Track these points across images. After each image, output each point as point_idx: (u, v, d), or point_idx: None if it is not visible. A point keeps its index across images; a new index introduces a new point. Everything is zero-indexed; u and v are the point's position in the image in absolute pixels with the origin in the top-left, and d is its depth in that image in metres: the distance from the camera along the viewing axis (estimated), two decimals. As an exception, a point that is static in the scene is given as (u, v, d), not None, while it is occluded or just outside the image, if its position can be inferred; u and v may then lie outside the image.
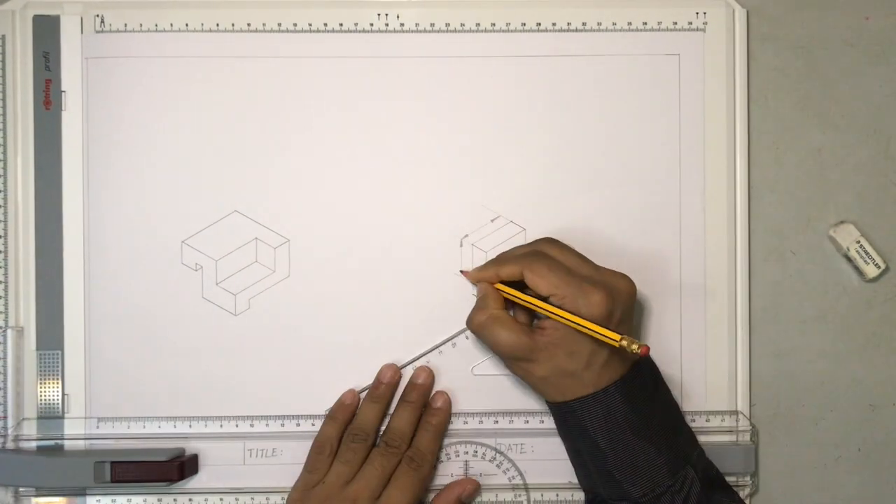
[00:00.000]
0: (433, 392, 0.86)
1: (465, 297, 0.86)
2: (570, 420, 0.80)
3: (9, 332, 0.85)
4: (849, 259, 0.87)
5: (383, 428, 0.85)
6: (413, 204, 0.87)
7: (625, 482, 0.78)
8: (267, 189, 0.87)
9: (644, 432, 0.78)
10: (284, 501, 0.84)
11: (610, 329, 0.76)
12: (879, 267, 0.86)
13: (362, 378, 0.86)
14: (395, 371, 0.86)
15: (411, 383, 0.86)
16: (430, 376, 0.86)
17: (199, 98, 0.86)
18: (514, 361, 0.81)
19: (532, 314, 0.83)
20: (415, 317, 0.87)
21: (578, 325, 0.76)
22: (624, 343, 0.74)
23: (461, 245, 0.87)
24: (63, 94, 0.86)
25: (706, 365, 0.87)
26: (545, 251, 0.81)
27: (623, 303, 0.79)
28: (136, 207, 0.86)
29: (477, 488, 0.86)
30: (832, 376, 0.88)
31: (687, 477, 0.79)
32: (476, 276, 0.84)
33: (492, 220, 0.87)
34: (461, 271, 0.86)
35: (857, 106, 0.87)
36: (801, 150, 0.87)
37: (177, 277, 0.86)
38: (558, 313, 0.77)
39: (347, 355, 0.87)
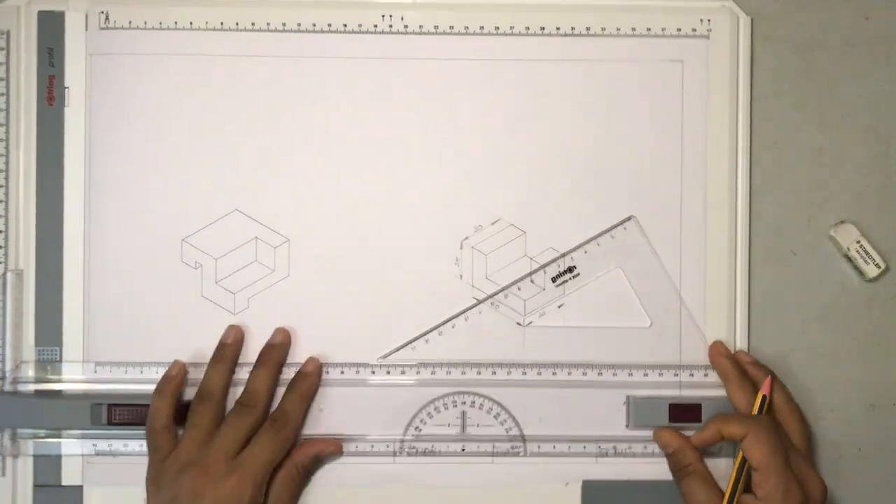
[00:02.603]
0: (306, 358, 0.86)
1: (465, 297, 0.87)
2: None
3: (9, 328, 0.85)
4: (849, 259, 0.87)
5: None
6: (414, 205, 0.87)
7: None
8: (267, 188, 0.87)
9: None
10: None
11: None
12: (879, 267, 0.86)
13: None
14: (238, 331, 0.86)
15: (267, 344, 0.85)
16: (288, 338, 0.86)
17: (202, 96, 0.87)
18: None
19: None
20: (414, 318, 0.87)
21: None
22: None
23: (461, 247, 0.87)
24: (66, 90, 0.86)
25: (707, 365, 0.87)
26: (774, 425, 0.81)
27: None
28: (137, 204, 0.86)
29: (338, 450, 0.85)
30: (832, 376, 0.88)
31: None
32: (701, 440, 0.83)
33: (492, 223, 0.87)
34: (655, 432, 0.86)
35: (857, 106, 0.88)
36: (801, 150, 0.88)
37: (176, 275, 0.86)
38: None
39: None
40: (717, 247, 0.87)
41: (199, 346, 0.86)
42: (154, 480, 0.81)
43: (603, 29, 0.87)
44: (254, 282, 0.86)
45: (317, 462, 0.85)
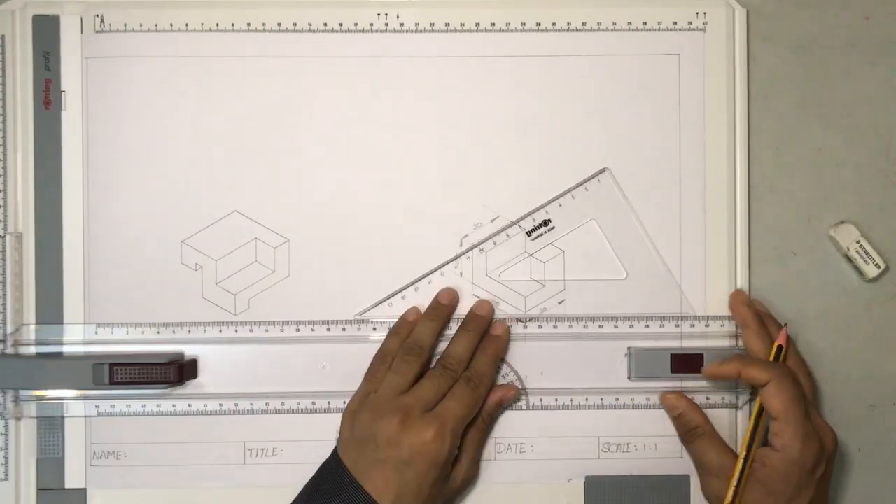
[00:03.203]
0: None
1: (464, 294, 0.87)
2: None
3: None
4: (849, 259, 0.87)
5: (440, 351, 0.86)
6: (413, 204, 0.87)
7: None
8: (267, 189, 0.87)
9: None
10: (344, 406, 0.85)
11: (811, 481, 0.78)
12: (879, 267, 0.86)
13: (363, 376, 0.86)
14: (454, 294, 0.87)
15: (472, 314, 0.86)
16: (491, 309, 0.87)
17: (199, 98, 0.86)
18: (711, 478, 0.82)
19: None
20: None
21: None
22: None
23: (461, 245, 0.87)
24: (63, 93, 0.86)
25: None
26: (794, 374, 0.81)
27: (827, 459, 0.79)
28: (136, 207, 0.86)
29: (518, 394, 0.87)
30: (832, 376, 0.88)
31: None
32: (716, 371, 0.83)
33: (492, 220, 0.87)
34: (662, 396, 0.87)
35: (857, 106, 0.87)
36: (801, 150, 0.88)
37: (177, 277, 0.86)
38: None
39: (347, 355, 0.87)
40: (717, 247, 0.86)
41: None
42: (353, 414, 0.83)
43: (599, 24, 0.87)
44: (254, 282, 0.87)
45: (499, 408, 0.87)
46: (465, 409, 0.82)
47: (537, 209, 0.87)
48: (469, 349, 0.85)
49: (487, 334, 0.86)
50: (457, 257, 0.87)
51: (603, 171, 0.87)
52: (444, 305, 0.86)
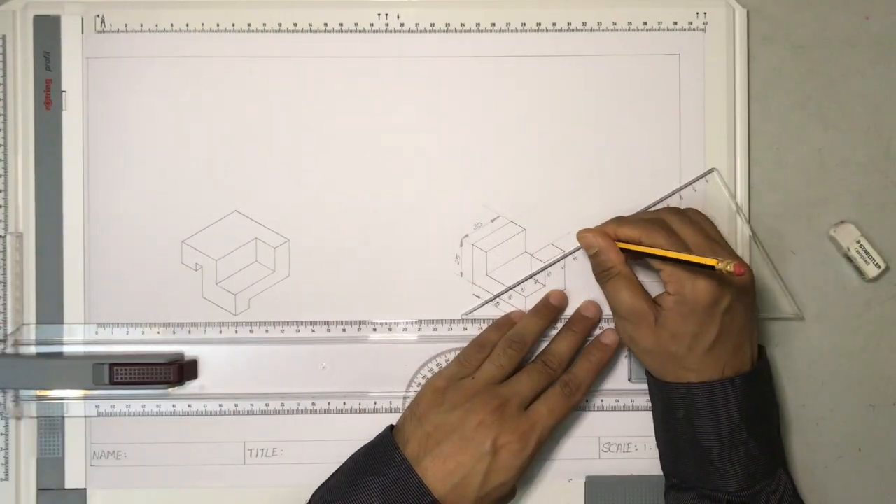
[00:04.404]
0: (603, 329, 0.86)
1: (465, 295, 0.87)
2: (680, 402, 0.80)
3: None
4: (849, 259, 0.87)
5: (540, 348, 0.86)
6: (413, 204, 0.87)
7: (725, 473, 0.79)
8: (267, 189, 0.87)
9: (753, 429, 0.79)
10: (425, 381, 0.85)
11: (713, 316, 0.78)
12: (879, 267, 0.86)
13: (362, 377, 0.86)
14: (564, 297, 0.87)
15: (579, 314, 0.86)
16: (599, 312, 0.86)
17: (200, 98, 0.86)
18: (624, 322, 0.82)
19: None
20: (415, 316, 0.87)
21: (681, 259, 0.76)
22: (720, 266, 0.72)
23: (461, 245, 0.87)
24: (63, 94, 0.86)
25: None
26: (667, 221, 0.81)
27: (735, 292, 0.78)
28: (136, 207, 0.86)
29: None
30: (832, 376, 0.88)
31: (781, 479, 0.80)
32: (598, 229, 0.83)
33: (492, 220, 0.87)
34: (579, 233, 0.85)
35: (857, 106, 0.87)
36: (801, 150, 0.87)
37: (177, 277, 0.86)
38: (661, 254, 0.78)
39: (347, 356, 0.87)
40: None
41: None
42: (441, 390, 0.82)
43: (599, 24, 0.87)
44: (254, 282, 0.87)
45: None
46: (555, 420, 0.81)
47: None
48: (572, 350, 0.84)
49: (596, 340, 0.86)
50: (553, 263, 0.88)
51: (711, 171, 0.87)
52: (553, 306, 0.86)
